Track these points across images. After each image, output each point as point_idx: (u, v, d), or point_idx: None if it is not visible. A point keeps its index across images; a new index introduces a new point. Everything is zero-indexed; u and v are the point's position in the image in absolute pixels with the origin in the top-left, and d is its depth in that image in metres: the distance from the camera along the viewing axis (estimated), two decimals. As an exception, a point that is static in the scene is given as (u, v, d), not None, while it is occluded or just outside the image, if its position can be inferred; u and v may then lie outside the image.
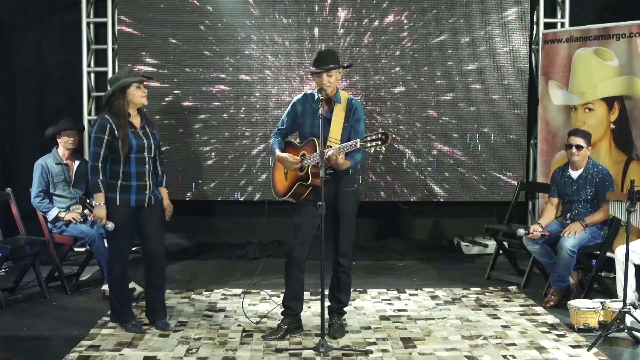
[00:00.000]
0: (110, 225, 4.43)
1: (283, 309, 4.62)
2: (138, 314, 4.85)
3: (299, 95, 4.60)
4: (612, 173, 5.42)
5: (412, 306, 5.23)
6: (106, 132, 4.41)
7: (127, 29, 6.66)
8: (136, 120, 4.54)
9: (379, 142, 4.05)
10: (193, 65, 6.72)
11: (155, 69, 6.66)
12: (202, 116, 6.77)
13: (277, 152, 4.54)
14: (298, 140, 4.62)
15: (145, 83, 4.57)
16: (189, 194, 6.76)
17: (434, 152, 6.84)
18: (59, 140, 5.68)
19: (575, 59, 6.29)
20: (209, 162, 6.79)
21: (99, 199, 4.44)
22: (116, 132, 4.41)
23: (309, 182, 4.34)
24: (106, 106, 4.56)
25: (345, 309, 4.72)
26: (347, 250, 4.55)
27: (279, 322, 4.61)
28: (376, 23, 6.71)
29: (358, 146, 4.16)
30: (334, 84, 4.40)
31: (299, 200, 4.47)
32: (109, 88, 4.54)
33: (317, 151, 4.22)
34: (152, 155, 4.59)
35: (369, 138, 4.10)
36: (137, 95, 4.48)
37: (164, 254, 4.71)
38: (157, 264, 4.65)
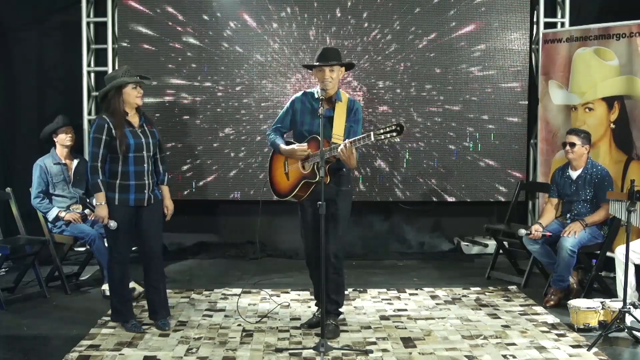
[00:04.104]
0: (113, 224, 4.43)
1: (315, 301, 4.81)
2: (138, 314, 4.85)
3: (299, 93, 4.55)
4: (612, 173, 5.42)
5: (412, 306, 5.23)
6: (104, 132, 4.39)
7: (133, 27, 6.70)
8: (134, 119, 4.53)
9: (394, 134, 3.97)
10: (193, 63, 6.73)
11: (155, 67, 6.67)
12: (202, 115, 6.77)
13: (282, 145, 4.44)
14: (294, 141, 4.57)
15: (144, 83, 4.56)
16: (186, 192, 6.76)
17: (434, 151, 6.83)
18: (56, 140, 5.68)
19: (575, 58, 6.29)
20: (209, 161, 6.79)
21: (100, 199, 4.43)
22: (113, 131, 4.40)
23: (317, 179, 4.24)
24: (101, 103, 4.57)
25: (343, 309, 4.71)
26: (339, 249, 4.49)
27: (314, 312, 4.77)
28: (379, 24, 6.70)
29: (372, 139, 4.05)
30: (336, 80, 4.36)
31: (299, 201, 4.47)
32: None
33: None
34: (152, 154, 4.58)
35: (382, 130, 4.00)
36: (132, 96, 4.46)
37: (161, 254, 4.70)
38: (155, 264, 4.64)
